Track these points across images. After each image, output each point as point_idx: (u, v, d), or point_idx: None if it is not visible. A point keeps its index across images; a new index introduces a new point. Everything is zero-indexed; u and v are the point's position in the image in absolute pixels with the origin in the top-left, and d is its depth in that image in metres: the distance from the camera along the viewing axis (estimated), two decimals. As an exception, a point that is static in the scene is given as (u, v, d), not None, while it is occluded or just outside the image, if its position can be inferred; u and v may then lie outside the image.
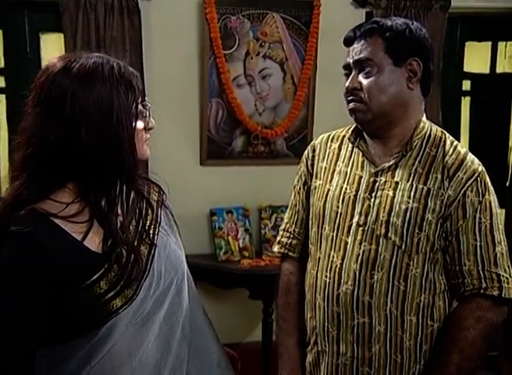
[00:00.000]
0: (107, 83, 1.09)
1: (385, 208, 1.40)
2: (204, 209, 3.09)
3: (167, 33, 2.93)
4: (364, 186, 1.44)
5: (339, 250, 1.44)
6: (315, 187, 1.54)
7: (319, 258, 1.48)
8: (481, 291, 1.37)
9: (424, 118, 1.48)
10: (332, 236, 1.46)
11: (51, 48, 3.01)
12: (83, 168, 1.10)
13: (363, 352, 1.41)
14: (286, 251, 1.62)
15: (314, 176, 1.56)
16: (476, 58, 3.47)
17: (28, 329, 1.08)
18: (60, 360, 1.10)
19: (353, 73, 1.44)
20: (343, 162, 1.51)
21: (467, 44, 3.42)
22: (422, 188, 1.40)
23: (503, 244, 1.40)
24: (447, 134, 1.49)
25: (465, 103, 3.49)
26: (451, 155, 1.43)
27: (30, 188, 1.10)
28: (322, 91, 3.08)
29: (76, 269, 1.09)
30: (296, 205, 1.61)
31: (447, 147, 1.45)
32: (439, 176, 1.41)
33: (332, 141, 1.57)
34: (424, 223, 1.38)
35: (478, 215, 1.38)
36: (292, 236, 1.62)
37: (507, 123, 3.36)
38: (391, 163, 1.43)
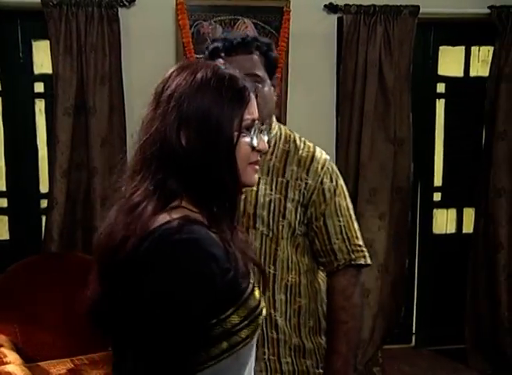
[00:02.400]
0: (212, 91, 1.06)
1: (251, 202, 1.55)
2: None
3: (145, 39, 3.12)
4: None
5: None
6: None
7: None
8: (352, 262, 1.58)
9: (274, 119, 1.63)
10: None
11: (42, 54, 3.24)
12: (189, 177, 1.06)
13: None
14: None
15: None
16: (450, 62, 3.57)
17: (192, 345, 1.00)
18: None
19: None
20: None
21: (441, 48, 3.53)
22: (282, 181, 1.58)
23: (355, 219, 1.66)
24: (294, 132, 1.67)
25: (440, 105, 3.59)
26: (303, 148, 1.62)
27: (149, 194, 1.05)
28: (294, 93, 3.23)
29: (239, 281, 1.04)
30: None
31: (298, 142, 1.63)
32: (295, 168, 1.59)
33: None
34: (287, 212, 1.56)
35: (337, 199, 1.60)
36: None
37: (480, 125, 3.44)
38: None
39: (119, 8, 3.06)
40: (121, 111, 3.13)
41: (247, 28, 3.09)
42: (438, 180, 3.65)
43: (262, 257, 1.55)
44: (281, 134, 1.63)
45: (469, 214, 3.63)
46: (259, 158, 1.14)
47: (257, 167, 1.14)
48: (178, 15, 3.00)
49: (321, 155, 1.63)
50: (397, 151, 3.30)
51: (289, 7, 3.09)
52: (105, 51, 3.04)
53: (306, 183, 1.58)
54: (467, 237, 3.59)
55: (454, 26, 3.45)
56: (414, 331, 3.74)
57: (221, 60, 1.51)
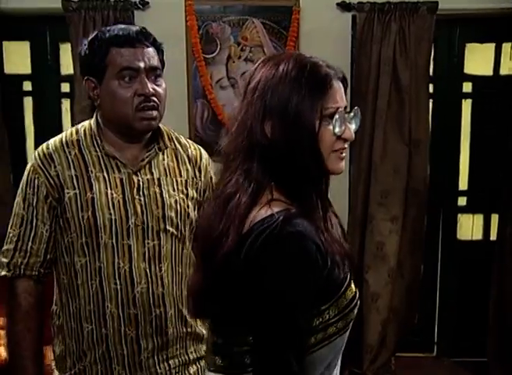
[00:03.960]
0: (293, 81, 1.08)
1: (157, 204, 1.50)
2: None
3: (160, 40, 3.21)
4: (128, 187, 1.49)
5: (124, 255, 1.47)
6: (70, 198, 1.47)
7: (100, 267, 1.47)
8: None
9: None
10: (112, 243, 1.46)
11: (69, 56, 3.42)
12: (275, 167, 1.10)
13: (161, 339, 1.52)
14: (21, 272, 1.50)
15: (64, 187, 1.48)
16: (479, 60, 3.40)
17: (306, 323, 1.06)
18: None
19: (143, 77, 1.45)
20: (94, 167, 1.50)
21: (468, 45, 3.37)
22: (181, 180, 1.55)
23: None
24: (171, 130, 1.63)
25: (466, 106, 3.42)
26: (190, 146, 1.63)
27: (239, 185, 1.09)
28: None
29: (337, 272, 1.08)
30: (32, 220, 1.49)
31: (181, 140, 1.63)
32: (189, 167, 1.58)
33: (67, 146, 1.51)
34: (189, 210, 1.55)
35: None
36: (29, 254, 1.50)
37: (509, 126, 3.24)
38: (145, 162, 1.52)
39: (135, 11, 3.18)
40: (136, 110, 3.24)
41: (255, 28, 3.11)
42: (463, 184, 3.49)
43: (173, 258, 1.53)
44: (163, 132, 1.59)
45: (497, 220, 3.44)
46: (345, 145, 1.13)
47: (343, 155, 1.13)
48: (186, 16, 3.07)
49: (204, 152, 1.66)
50: (413, 153, 3.18)
51: (298, 6, 3.07)
52: (120, 53, 3.16)
53: (200, 181, 1.59)
54: (494, 245, 3.39)
55: (482, 22, 3.28)
56: (435, 340, 3.59)
57: (137, 49, 1.45)
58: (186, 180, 1.56)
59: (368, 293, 3.18)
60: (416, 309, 3.36)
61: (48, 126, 3.47)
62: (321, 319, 1.07)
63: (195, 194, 1.57)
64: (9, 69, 3.45)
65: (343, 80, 1.14)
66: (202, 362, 1.61)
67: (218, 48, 3.13)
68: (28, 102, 3.50)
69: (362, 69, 3.16)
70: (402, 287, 3.28)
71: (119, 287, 1.47)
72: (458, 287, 3.52)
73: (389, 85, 3.12)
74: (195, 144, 1.66)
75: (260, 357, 1.04)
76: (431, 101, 3.33)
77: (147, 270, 1.49)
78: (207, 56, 3.13)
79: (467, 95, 3.42)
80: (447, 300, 3.54)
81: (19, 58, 3.47)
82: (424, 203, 3.25)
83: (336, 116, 1.10)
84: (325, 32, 3.18)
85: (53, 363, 1.65)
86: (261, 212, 1.06)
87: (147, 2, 3.18)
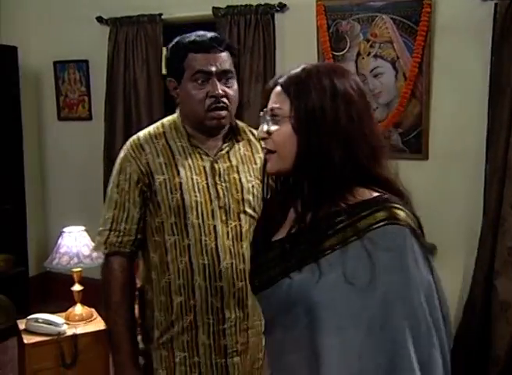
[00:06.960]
0: None
1: (236, 189, 1.67)
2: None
3: (295, 39, 3.39)
4: (210, 173, 1.67)
5: (210, 233, 1.63)
6: (161, 183, 1.64)
7: (189, 245, 1.63)
8: None
9: None
10: (199, 223, 1.63)
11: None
12: None
13: (242, 310, 1.67)
14: (116, 250, 1.68)
15: (154, 173, 1.65)
16: None
17: None
18: None
19: (214, 80, 1.60)
20: (180, 156, 1.67)
21: None
22: (256, 168, 1.70)
23: None
24: (245, 124, 1.76)
25: None
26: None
27: None
28: (440, 89, 3.11)
29: None
30: (124, 203, 1.67)
31: (255, 132, 1.73)
32: (262, 156, 1.63)
33: (156, 138, 1.69)
34: (264, 194, 1.63)
35: None
36: (122, 233, 1.68)
37: None
38: (224, 151, 1.69)
39: (275, 14, 3.40)
40: (274, 106, 3.47)
41: (385, 24, 3.09)
42: None
43: (250, 238, 1.61)
44: (237, 124, 1.74)
45: None
46: (265, 145, 1.21)
47: (267, 155, 1.21)
48: (316, 16, 3.19)
49: None
50: (560, 153, 2.87)
51: (429, 0, 2.98)
52: (260, 53, 3.42)
53: None
54: None
55: None
56: None
57: (213, 55, 1.59)
58: (260, 167, 1.68)
59: (496, 300, 2.98)
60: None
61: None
62: None
63: (268, 180, 1.69)
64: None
65: (277, 83, 1.19)
66: None
67: (348, 46, 3.20)
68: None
69: (502, 62, 2.94)
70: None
71: (206, 263, 1.62)
72: None
73: (531, 78, 2.86)
74: None
75: None
76: None
77: (231, 248, 1.64)
78: (337, 54, 3.22)
79: None
80: None
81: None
82: None
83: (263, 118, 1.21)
84: (462, 24, 3.04)
85: (138, 337, 1.78)
86: None
87: (285, 5, 3.37)
